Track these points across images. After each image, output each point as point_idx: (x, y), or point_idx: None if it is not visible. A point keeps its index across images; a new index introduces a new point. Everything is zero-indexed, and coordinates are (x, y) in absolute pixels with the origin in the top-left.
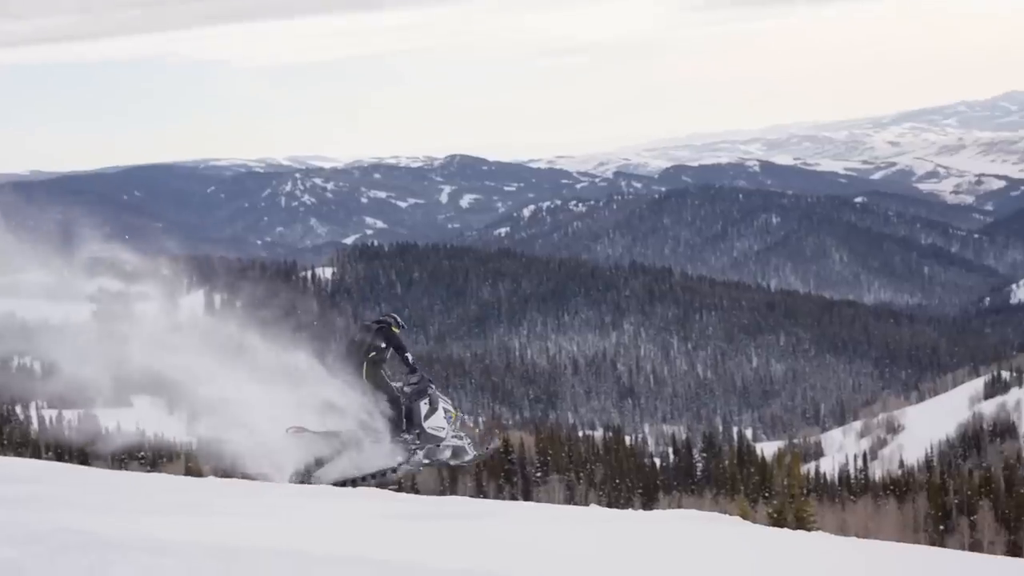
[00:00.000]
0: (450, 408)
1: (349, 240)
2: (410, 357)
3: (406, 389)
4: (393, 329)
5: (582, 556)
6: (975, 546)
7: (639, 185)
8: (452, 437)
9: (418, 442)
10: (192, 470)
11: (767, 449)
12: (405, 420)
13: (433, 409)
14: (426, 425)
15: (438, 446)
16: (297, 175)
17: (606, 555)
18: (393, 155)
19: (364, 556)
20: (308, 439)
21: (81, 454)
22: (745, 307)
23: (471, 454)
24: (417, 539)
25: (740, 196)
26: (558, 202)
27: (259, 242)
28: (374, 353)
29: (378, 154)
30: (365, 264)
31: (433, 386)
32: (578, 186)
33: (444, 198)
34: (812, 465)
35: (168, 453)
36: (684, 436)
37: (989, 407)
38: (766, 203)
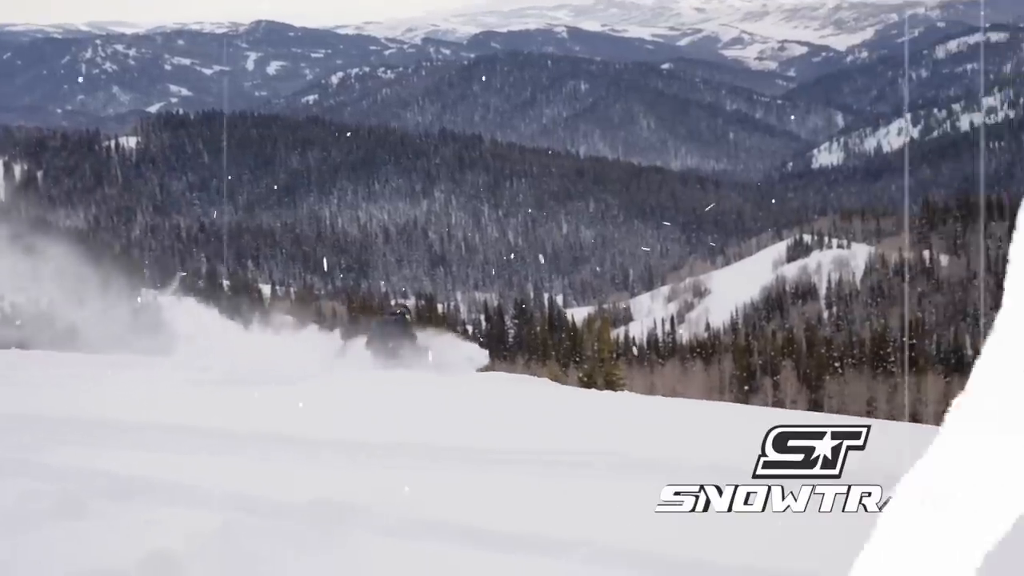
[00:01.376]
0: None
1: (153, 108)
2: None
3: None
4: (407, 318)
5: (387, 415)
6: (778, 404)
7: (448, 52)
8: None
9: None
10: None
11: (577, 315)
12: None
13: None
14: None
15: None
16: (97, 41)
17: (413, 412)
18: (196, 21)
19: (164, 423)
20: None
21: None
22: (555, 174)
23: None
24: (223, 406)
25: (549, 63)
26: (366, 69)
27: (59, 111)
28: (391, 342)
29: (181, 19)
30: (171, 133)
31: None
32: (386, 53)
33: (250, 65)
34: (621, 330)
35: None
36: (496, 303)
37: (791, 270)
38: (574, 70)
